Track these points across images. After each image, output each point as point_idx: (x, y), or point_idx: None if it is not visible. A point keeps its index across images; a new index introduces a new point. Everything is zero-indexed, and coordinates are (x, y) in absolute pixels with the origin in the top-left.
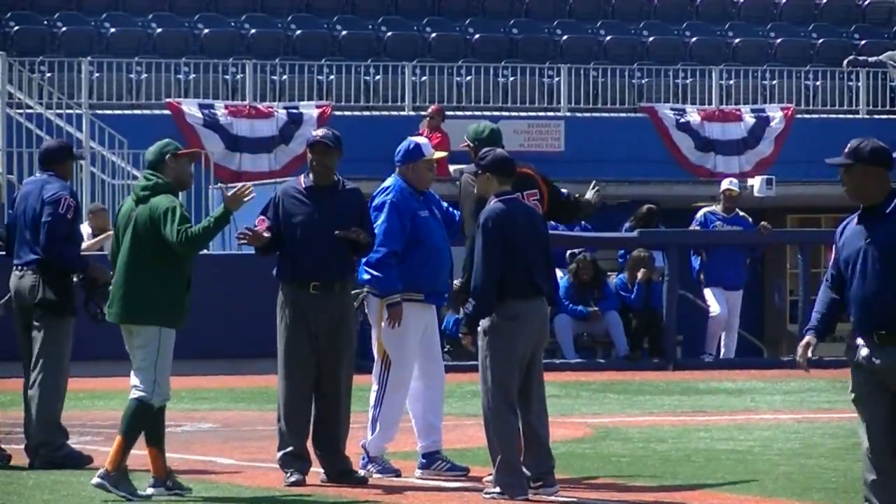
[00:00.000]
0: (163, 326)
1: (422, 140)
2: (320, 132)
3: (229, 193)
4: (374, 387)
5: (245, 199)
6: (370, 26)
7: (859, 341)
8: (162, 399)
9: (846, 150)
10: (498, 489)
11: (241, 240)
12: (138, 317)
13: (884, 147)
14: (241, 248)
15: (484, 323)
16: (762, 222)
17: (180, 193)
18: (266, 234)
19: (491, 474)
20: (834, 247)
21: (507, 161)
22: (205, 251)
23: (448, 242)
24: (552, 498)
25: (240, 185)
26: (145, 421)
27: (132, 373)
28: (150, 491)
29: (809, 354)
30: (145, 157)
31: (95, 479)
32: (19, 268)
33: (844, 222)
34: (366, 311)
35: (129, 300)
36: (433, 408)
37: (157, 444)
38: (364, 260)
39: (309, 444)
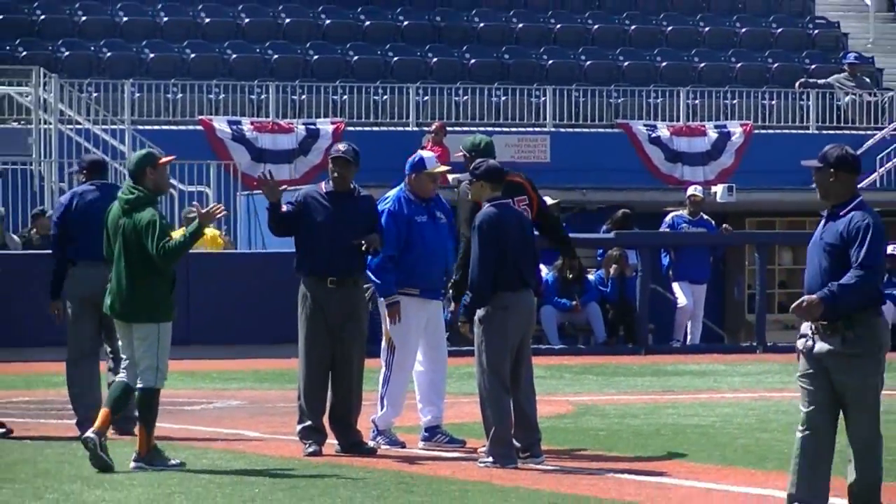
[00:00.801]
0: (160, 322)
1: (428, 154)
2: (343, 147)
3: (203, 211)
4: (382, 369)
5: (217, 216)
6: (378, 52)
7: (806, 329)
8: (163, 382)
9: (819, 154)
10: (491, 459)
11: (259, 182)
12: (138, 316)
13: (851, 154)
14: (266, 247)
15: (479, 313)
16: (724, 225)
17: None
18: (280, 189)
19: (485, 446)
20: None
21: (498, 170)
22: (234, 251)
23: (445, 243)
24: (538, 466)
25: (213, 204)
26: (155, 403)
27: (115, 360)
28: (176, 461)
29: (806, 317)
30: (126, 168)
31: (132, 464)
32: (92, 263)
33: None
34: (377, 302)
35: (129, 301)
36: (435, 388)
37: (117, 410)
38: (369, 262)
39: (325, 419)
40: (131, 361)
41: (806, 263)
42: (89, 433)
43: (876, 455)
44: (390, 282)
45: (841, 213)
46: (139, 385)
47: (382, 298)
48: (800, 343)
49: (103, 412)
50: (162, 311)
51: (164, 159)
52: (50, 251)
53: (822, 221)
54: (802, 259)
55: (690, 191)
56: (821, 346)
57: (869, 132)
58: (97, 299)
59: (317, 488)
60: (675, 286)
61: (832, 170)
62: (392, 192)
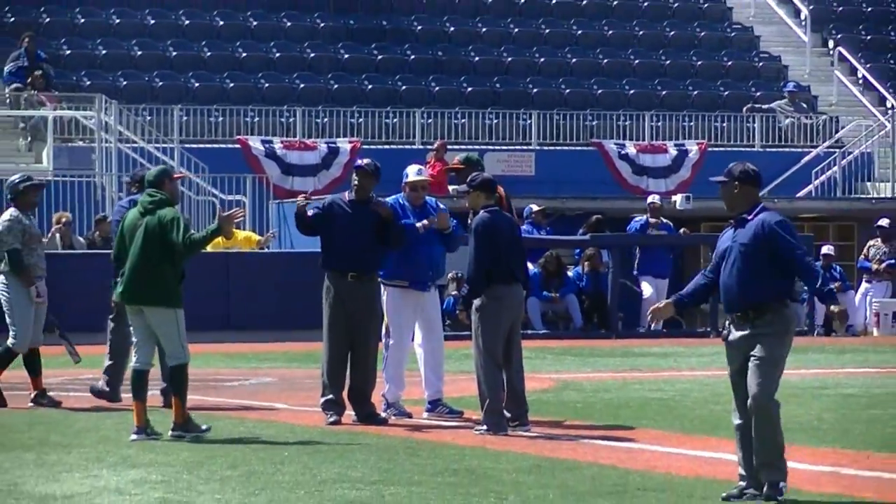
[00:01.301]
0: (175, 308)
1: (410, 169)
2: (365, 161)
3: (225, 214)
4: (383, 351)
5: (237, 219)
6: (389, 82)
7: (725, 323)
8: (188, 357)
9: (724, 171)
10: (485, 427)
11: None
12: (154, 300)
13: (753, 169)
14: (293, 247)
15: (476, 303)
16: (682, 228)
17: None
18: (305, 201)
19: (480, 416)
20: (716, 246)
21: (492, 182)
22: (268, 251)
23: (431, 244)
24: (526, 434)
25: (235, 209)
26: (186, 377)
27: (144, 345)
28: (205, 426)
29: (660, 313)
30: (147, 178)
31: (170, 433)
32: None
33: (723, 232)
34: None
35: (146, 288)
36: (435, 367)
37: (143, 399)
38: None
39: (344, 393)
40: (140, 342)
41: (721, 264)
42: (132, 436)
43: (770, 420)
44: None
45: (749, 219)
46: (171, 364)
47: (384, 285)
48: (727, 330)
49: (136, 406)
50: (175, 298)
51: (177, 174)
52: (110, 250)
53: (731, 228)
54: None
55: (650, 199)
56: (736, 335)
57: (806, 150)
58: None
59: (336, 452)
60: (642, 280)
61: (736, 182)
62: (390, 199)
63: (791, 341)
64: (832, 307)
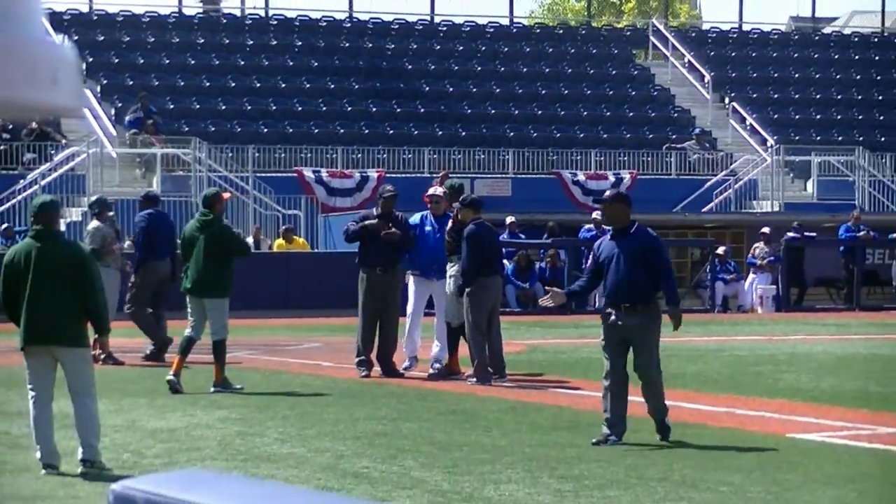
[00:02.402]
0: (225, 298)
1: (431, 190)
2: (389, 188)
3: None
4: (405, 322)
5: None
6: (405, 128)
7: (610, 310)
8: (227, 333)
9: (604, 195)
10: (475, 379)
11: (385, 234)
12: (212, 293)
13: (624, 193)
14: (336, 248)
15: (467, 290)
16: None
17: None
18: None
19: (471, 371)
20: (593, 252)
21: (478, 201)
22: (316, 251)
23: (440, 245)
24: (504, 384)
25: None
26: (224, 348)
27: (198, 323)
28: (239, 385)
29: (550, 303)
30: (203, 197)
31: (212, 388)
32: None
33: (601, 239)
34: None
35: (207, 284)
36: (440, 337)
37: (187, 352)
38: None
39: (373, 355)
40: (197, 322)
41: (607, 266)
42: (169, 376)
43: (656, 384)
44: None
45: (631, 232)
46: (215, 338)
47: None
48: (613, 318)
49: (176, 359)
50: (228, 291)
51: (226, 195)
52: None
53: (610, 238)
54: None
55: (594, 214)
56: (625, 320)
57: (708, 177)
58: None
59: (366, 397)
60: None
61: (613, 203)
62: (418, 214)
63: (661, 325)
64: (674, 312)
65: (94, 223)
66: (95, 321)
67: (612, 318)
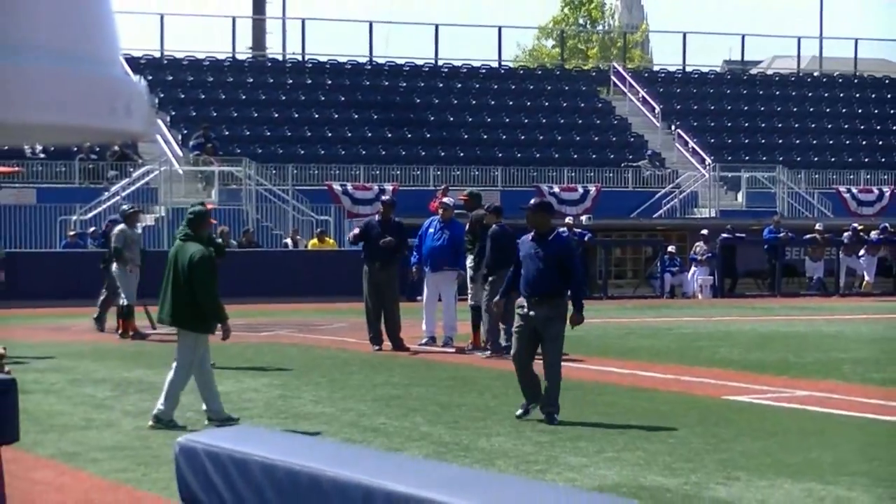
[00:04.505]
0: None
1: (446, 199)
2: (387, 196)
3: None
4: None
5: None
6: (414, 150)
7: (524, 301)
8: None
9: (529, 203)
10: (489, 352)
11: (383, 244)
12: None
13: (546, 202)
14: (360, 246)
15: (490, 278)
16: (587, 235)
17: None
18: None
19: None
20: (519, 251)
21: (500, 208)
22: (337, 248)
23: (444, 247)
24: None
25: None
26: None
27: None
28: (211, 362)
29: (496, 309)
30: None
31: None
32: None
33: (522, 238)
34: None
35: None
36: (447, 319)
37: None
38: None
39: (383, 333)
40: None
41: (525, 263)
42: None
43: (555, 372)
44: (412, 260)
45: (549, 238)
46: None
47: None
48: (520, 310)
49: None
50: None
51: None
52: (250, 248)
53: (531, 239)
54: (626, 253)
55: (567, 219)
56: (535, 311)
57: (657, 190)
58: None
59: (383, 367)
60: None
61: (538, 211)
62: (428, 220)
63: (566, 319)
64: (577, 315)
65: (120, 227)
66: (205, 312)
67: (525, 308)
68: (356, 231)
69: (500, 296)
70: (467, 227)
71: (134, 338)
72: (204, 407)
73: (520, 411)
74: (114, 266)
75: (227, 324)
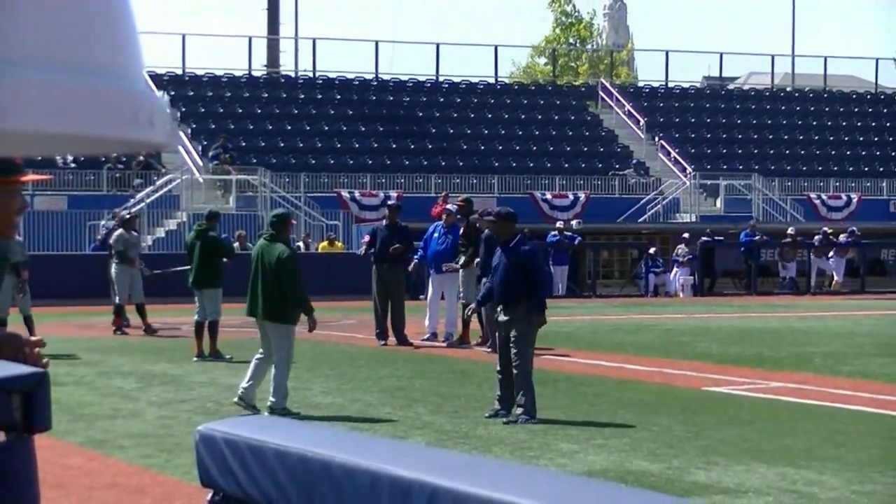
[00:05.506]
0: (218, 288)
1: (449, 206)
2: (392, 202)
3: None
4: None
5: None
6: (417, 160)
7: (499, 309)
8: (219, 316)
9: (494, 212)
10: (489, 349)
11: (393, 250)
12: (213, 284)
13: (510, 211)
14: (355, 249)
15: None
16: (577, 238)
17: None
18: (366, 243)
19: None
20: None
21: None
22: (348, 250)
23: (445, 250)
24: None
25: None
26: (218, 327)
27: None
28: (228, 356)
29: (471, 312)
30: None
31: (206, 358)
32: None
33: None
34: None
35: (204, 278)
36: (448, 316)
37: (200, 335)
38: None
39: (389, 329)
40: (201, 309)
41: (493, 272)
42: (194, 358)
43: (524, 376)
44: (419, 259)
45: (511, 245)
46: (210, 319)
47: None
48: (498, 315)
49: (197, 342)
50: (220, 283)
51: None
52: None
53: (499, 250)
54: (613, 255)
55: (558, 224)
56: (504, 317)
57: (642, 196)
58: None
59: (388, 360)
60: (552, 267)
61: (501, 220)
62: (433, 225)
63: (535, 323)
64: (541, 317)
65: (118, 231)
66: (295, 305)
67: (498, 315)
68: (366, 239)
69: (476, 303)
70: (461, 230)
71: (115, 332)
72: (271, 398)
73: (487, 414)
74: (113, 267)
75: (314, 316)
